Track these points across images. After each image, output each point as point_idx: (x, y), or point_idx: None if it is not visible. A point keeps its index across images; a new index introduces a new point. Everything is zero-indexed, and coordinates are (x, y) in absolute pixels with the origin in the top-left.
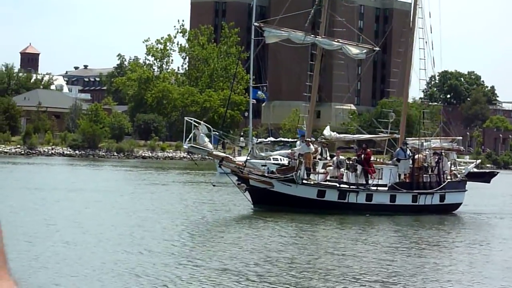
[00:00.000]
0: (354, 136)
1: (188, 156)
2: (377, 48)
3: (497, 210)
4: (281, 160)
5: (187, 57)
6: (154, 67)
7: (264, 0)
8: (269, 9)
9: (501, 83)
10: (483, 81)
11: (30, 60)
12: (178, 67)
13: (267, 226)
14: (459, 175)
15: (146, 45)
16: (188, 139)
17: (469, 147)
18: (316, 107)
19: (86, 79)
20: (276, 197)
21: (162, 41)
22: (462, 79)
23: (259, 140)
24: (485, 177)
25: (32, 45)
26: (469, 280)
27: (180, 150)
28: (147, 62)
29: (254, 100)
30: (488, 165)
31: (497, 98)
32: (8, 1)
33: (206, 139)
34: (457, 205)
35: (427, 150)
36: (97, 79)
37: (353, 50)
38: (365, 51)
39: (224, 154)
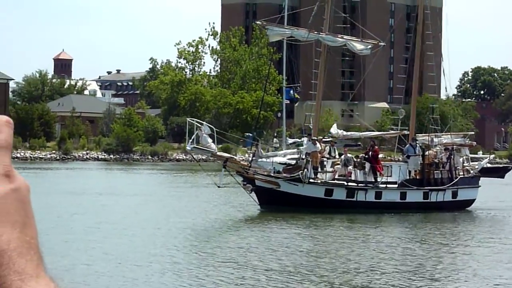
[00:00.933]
0: (362, 133)
1: (192, 157)
2: (382, 43)
3: None
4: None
5: (218, 59)
6: (186, 70)
7: (295, 0)
8: (300, 9)
9: None
10: None
11: (63, 66)
12: (210, 70)
13: (279, 227)
14: (472, 171)
15: (178, 49)
16: (191, 140)
17: (504, 143)
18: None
19: (119, 84)
20: (283, 197)
21: (193, 44)
22: (495, 74)
23: (293, 140)
24: (499, 172)
25: (65, 51)
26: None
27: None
28: (179, 65)
29: (287, 101)
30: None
31: None
32: (41, 8)
33: (209, 140)
34: (471, 201)
35: (437, 146)
36: (130, 83)
37: (358, 46)
38: (370, 46)
39: (228, 155)
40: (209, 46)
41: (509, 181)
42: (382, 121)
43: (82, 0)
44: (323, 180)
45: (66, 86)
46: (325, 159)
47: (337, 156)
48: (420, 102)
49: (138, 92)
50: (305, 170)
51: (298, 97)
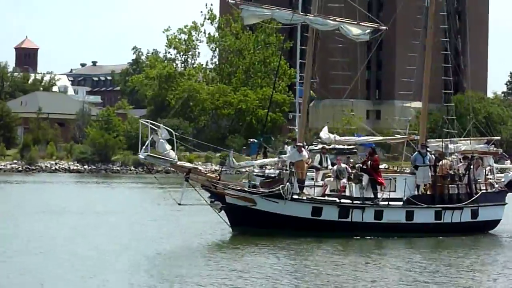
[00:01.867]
0: (362, 138)
1: (146, 168)
2: (384, 27)
3: None
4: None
5: (217, 49)
6: (177, 62)
7: None
8: None
9: None
10: None
11: (27, 56)
12: (207, 62)
13: (253, 255)
14: (497, 185)
15: (167, 36)
16: (144, 147)
17: None
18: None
19: (95, 78)
20: (259, 217)
21: (186, 30)
22: None
23: (309, 147)
24: None
25: (29, 39)
26: None
27: (211, 162)
28: (169, 56)
29: (301, 99)
30: None
31: None
32: None
33: (167, 147)
34: (495, 222)
35: (454, 154)
36: (109, 78)
37: (354, 31)
38: (368, 31)
39: (191, 165)
40: (205, 33)
41: None
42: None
43: None
44: (309, 197)
45: (30, 81)
46: (313, 170)
47: (329, 167)
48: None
49: (118, 88)
50: (288, 183)
51: (315, 95)
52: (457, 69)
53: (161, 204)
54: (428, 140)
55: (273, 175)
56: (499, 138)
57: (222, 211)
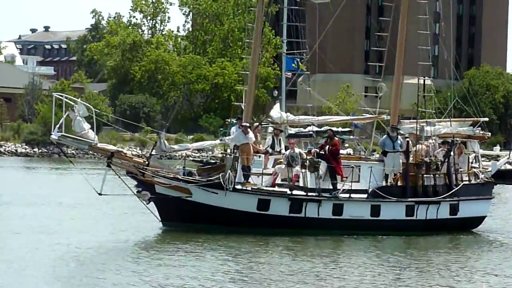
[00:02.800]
0: (323, 118)
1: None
2: None
3: None
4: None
5: (190, 13)
6: (143, 28)
7: None
8: None
9: None
10: None
11: None
12: (178, 28)
13: (186, 256)
14: (482, 175)
15: None
16: (58, 126)
17: None
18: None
19: (48, 46)
20: (195, 210)
21: None
22: None
23: (295, 130)
24: None
25: None
26: None
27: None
28: (134, 20)
29: (288, 73)
30: None
31: None
32: None
33: (85, 126)
34: (478, 219)
35: (432, 138)
36: (63, 46)
37: None
38: None
39: (114, 148)
40: None
41: None
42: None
43: None
44: (255, 187)
45: None
46: (260, 155)
47: (283, 151)
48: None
49: (74, 58)
50: (229, 171)
51: (305, 68)
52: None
53: (81, 193)
54: (400, 121)
55: (213, 161)
56: (487, 119)
57: (151, 203)
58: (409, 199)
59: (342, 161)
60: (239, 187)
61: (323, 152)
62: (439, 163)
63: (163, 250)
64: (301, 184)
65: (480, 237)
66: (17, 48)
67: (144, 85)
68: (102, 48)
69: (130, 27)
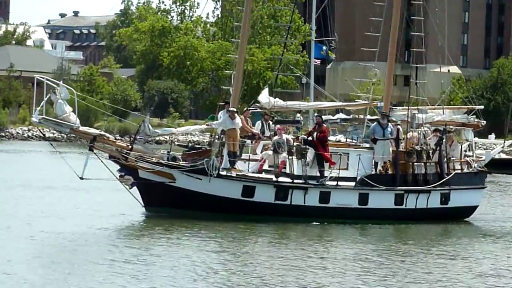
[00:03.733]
0: (313, 103)
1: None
2: None
3: None
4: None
5: (219, 0)
6: (172, 14)
7: None
8: None
9: None
10: None
11: None
12: (207, 14)
13: (170, 243)
14: (475, 164)
15: None
16: (39, 108)
17: None
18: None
19: (77, 31)
20: (179, 196)
21: None
22: None
23: (325, 117)
24: None
25: None
26: None
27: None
28: (163, 6)
29: (317, 61)
30: None
31: None
32: None
33: (68, 109)
34: (470, 209)
35: (425, 125)
36: (92, 31)
37: None
38: None
39: (96, 131)
40: None
41: None
42: (452, 92)
43: None
44: (240, 174)
45: (0, 33)
46: (246, 141)
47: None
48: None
49: (103, 44)
50: (213, 157)
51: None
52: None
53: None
54: (392, 108)
55: (198, 146)
56: (482, 107)
57: (134, 188)
58: (399, 188)
59: (330, 148)
60: (223, 173)
61: (310, 139)
62: (431, 151)
63: (145, 236)
64: (288, 171)
65: (470, 226)
66: (46, 32)
67: (172, 71)
68: (131, 33)
69: (159, 13)
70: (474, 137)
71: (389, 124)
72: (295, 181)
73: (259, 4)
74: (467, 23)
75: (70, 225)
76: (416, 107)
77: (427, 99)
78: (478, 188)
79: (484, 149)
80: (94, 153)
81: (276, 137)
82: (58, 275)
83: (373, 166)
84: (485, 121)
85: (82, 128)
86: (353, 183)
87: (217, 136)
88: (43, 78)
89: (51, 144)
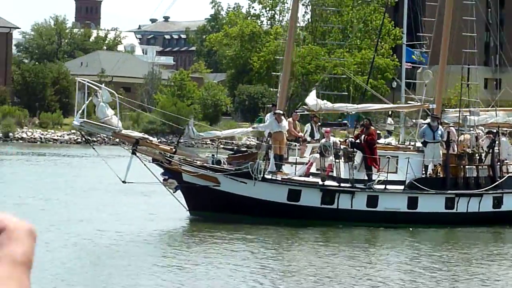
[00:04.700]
0: (362, 105)
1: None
2: None
3: None
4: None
5: (309, 5)
6: (262, 19)
7: None
8: None
9: None
10: None
11: (89, 10)
12: (298, 18)
13: (215, 248)
14: None
15: None
16: (80, 112)
17: None
18: (496, 73)
19: (167, 37)
20: (223, 200)
21: None
22: None
23: (414, 121)
24: None
25: None
26: None
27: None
28: (253, 11)
29: (409, 64)
30: None
31: None
32: None
33: (109, 112)
34: None
35: (477, 128)
36: (183, 36)
37: None
38: None
39: (139, 134)
40: None
41: None
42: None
43: None
44: (285, 177)
45: (92, 38)
46: (294, 144)
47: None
48: None
49: (194, 49)
50: (258, 160)
51: (424, 60)
52: None
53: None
54: (444, 110)
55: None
56: None
57: (178, 191)
58: (449, 191)
59: (379, 151)
60: (268, 176)
61: (358, 142)
62: (483, 154)
63: (189, 240)
64: (334, 174)
65: None
66: (136, 38)
67: (262, 75)
68: (221, 38)
69: (249, 18)
70: None
71: (439, 126)
72: (342, 184)
73: (348, 8)
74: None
75: (113, 230)
76: (467, 109)
77: (479, 101)
78: None
79: None
80: (137, 157)
81: (323, 140)
82: (101, 278)
83: (423, 169)
84: None
85: (124, 131)
86: (402, 187)
87: (265, 139)
88: (84, 80)
89: (94, 148)
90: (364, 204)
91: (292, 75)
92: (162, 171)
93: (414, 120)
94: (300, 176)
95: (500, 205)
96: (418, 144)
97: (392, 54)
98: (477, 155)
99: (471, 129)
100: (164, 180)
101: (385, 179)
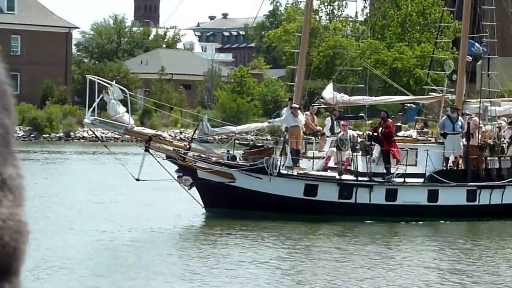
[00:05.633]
0: (380, 98)
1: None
2: None
3: None
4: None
5: None
6: (320, 14)
7: None
8: None
9: None
10: None
11: (147, 9)
12: (356, 13)
13: (232, 245)
14: None
15: None
16: (91, 109)
17: None
18: None
19: (226, 34)
20: (239, 196)
21: None
22: None
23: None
24: None
25: None
26: None
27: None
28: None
29: (469, 57)
30: None
31: None
32: None
33: (120, 109)
34: None
35: (498, 118)
36: (242, 33)
37: None
38: None
39: (152, 131)
40: None
41: None
42: None
43: None
44: (302, 172)
45: (151, 37)
46: (312, 138)
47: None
48: None
49: (253, 45)
50: (273, 155)
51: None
52: None
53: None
54: (466, 101)
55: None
56: None
57: (193, 188)
58: (471, 183)
59: (397, 144)
60: (284, 171)
61: (376, 134)
62: (505, 145)
63: (205, 237)
64: (353, 168)
65: None
66: (195, 35)
67: (322, 70)
68: (280, 34)
69: None
70: None
71: (459, 117)
72: (360, 178)
73: (407, 1)
74: None
75: (130, 228)
76: (489, 99)
77: (500, 91)
78: None
79: None
80: (150, 154)
81: (340, 134)
82: (116, 276)
83: (443, 162)
84: None
85: (136, 129)
86: (421, 180)
87: (282, 134)
88: (94, 78)
89: (105, 146)
90: (383, 198)
91: (351, 70)
92: (177, 168)
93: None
94: (318, 170)
95: None
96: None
97: (451, 47)
98: (499, 146)
99: (493, 119)
100: (178, 177)
101: (404, 172)
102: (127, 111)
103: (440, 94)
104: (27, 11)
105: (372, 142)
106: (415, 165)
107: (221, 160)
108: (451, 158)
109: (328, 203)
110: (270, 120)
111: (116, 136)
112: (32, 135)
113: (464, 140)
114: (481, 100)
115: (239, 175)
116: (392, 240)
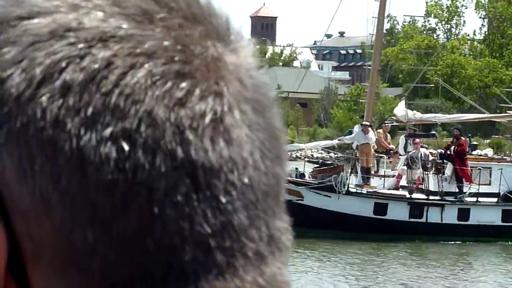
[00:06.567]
0: (454, 116)
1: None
2: None
3: None
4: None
5: (486, 17)
6: (438, 32)
7: None
8: None
9: None
10: None
11: (264, 27)
12: (474, 31)
13: (301, 263)
14: None
15: (426, 2)
16: None
17: None
18: None
19: (343, 52)
20: (308, 214)
21: None
22: None
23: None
24: None
25: (266, 6)
26: None
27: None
28: (428, 25)
29: None
30: None
31: None
32: None
33: None
34: None
35: None
36: (358, 51)
37: None
38: None
39: None
40: None
41: None
42: None
43: None
44: (371, 190)
45: (268, 55)
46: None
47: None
48: None
49: (369, 63)
50: (342, 173)
51: None
52: None
53: None
54: None
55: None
56: None
57: None
58: None
59: (471, 162)
60: (353, 189)
61: (448, 153)
62: None
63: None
64: (424, 187)
65: None
66: (312, 53)
67: (440, 89)
68: (397, 52)
69: (424, 32)
70: None
71: None
72: (431, 197)
73: None
74: None
75: None
76: None
77: None
78: None
79: None
80: None
81: (411, 152)
82: None
83: None
84: None
85: None
86: (495, 199)
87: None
88: None
89: None
90: (455, 217)
91: (469, 88)
92: None
93: None
94: (389, 189)
95: None
96: None
97: None
98: None
99: None
100: None
101: (477, 191)
102: None
103: None
104: None
105: (444, 161)
106: (489, 184)
107: (289, 178)
108: None
109: (398, 222)
110: (341, 137)
111: None
112: None
113: None
114: None
115: (307, 193)
116: (465, 261)
